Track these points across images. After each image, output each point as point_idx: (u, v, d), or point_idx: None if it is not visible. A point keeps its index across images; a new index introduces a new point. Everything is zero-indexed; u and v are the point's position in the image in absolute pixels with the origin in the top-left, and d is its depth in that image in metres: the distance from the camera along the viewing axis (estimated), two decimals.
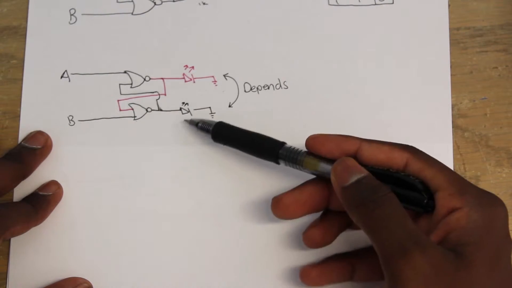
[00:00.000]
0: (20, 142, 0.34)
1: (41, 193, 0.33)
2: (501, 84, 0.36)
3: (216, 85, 0.35)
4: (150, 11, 0.36)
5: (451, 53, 0.36)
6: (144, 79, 0.35)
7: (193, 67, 0.35)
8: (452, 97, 0.35)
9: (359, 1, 0.36)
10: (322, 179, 0.29)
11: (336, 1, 0.36)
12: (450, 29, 0.36)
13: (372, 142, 0.28)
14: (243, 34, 0.36)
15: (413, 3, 0.36)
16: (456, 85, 0.36)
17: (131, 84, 0.35)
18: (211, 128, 0.33)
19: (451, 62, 0.36)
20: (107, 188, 0.34)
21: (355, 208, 0.26)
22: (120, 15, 0.36)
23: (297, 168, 0.30)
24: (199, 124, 0.33)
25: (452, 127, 0.35)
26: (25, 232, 0.31)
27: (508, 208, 0.33)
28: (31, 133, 0.34)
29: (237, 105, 0.35)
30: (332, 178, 0.27)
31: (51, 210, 0.33)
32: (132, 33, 0.36)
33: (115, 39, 0.36)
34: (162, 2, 0.36)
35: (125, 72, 0.35)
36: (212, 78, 0.35)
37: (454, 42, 0.36)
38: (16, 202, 0.33)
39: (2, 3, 0.37)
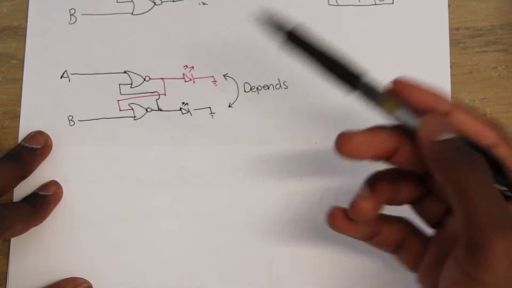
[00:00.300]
0: (20, 142, 0.34)
1: (41, 193, 0.33)
2: (501, 84, 0.36)
3: (216, 85, 0.35)
4: (150, 11, 0.36)
5: (451, 53, 0.36)
6: (144, 79, 0.35)
7: (193, 67, 0.35)
8: (452, 97, 0.35)
9: (359, 1, 0.36)
10: (393, 128, 0.26)
11: (336, 1, 0.36)
12: (450, 29, 0.36)
13: (465, 112, 0.25)
14: (243, 34, 0.36)
15: (413, 3, 0.36)
16: (456, 85, 0.36)
17: (131, 84, 0.35)
18: (287, 29, 0.27)
19: (451, 62, 0.36)
20: (107, 188, 0.34)
21: (445, 166, 0.23)
22: (120, 15, 0.36)
23: (371, 104, 0.26)
24: (274, 18, 0.27)
25: None
26: (25, 232, 0.31)
27: None
28: (31, 133, 0.34)
29: (237, 105, 0.35)
30: (422, 128, 0.24)
31: (51, 210, 0.33)
32: (132, 33, 0.36)
33: (115, 39, 0.36)
34: (162, 2, 0.36)
35: (125, 72, 0.35)
36: (212, 78, 0.35)
37: (454, 42, 0.36)
38: (16, 202, 0.33)
39: (2, 3, 0.37)
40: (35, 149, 0.33)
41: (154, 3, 0.36)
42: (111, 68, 0.35)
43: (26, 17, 0.36)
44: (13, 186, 0.33)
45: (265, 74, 0.35)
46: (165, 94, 0.35)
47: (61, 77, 0.35)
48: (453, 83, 0.36)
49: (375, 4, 0.36)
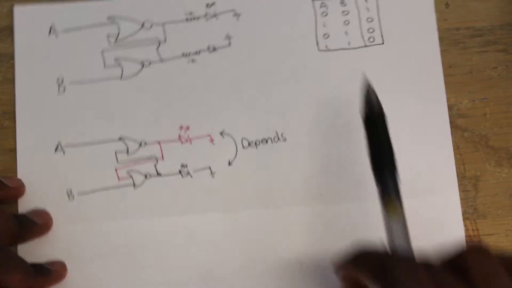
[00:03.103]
0: (24, 213, 0.33)
1: (46, 265, 0.33)
2: (501, 84, 0.36)
3: (213, 144, 0.35)
4: (138, 74, 0.35)
5: (451, 53, 0.36)
6: (140, 145, 0.35)
7: (188, 127, 0.35)
8: (451, 97, 0.35)
9: (349, 44, 0.36)
10: None
11: (326, 46, 0.36)
12: (450, 29, 0.36)
13: None
14: (235, 89, 0.35)
15: (404, 42, 0.36)
16: (455, 85, 0.36)
17: (127, 151, 0.35)
18: (370, 107, 0.29)
19: (451, 62, 0.36)
20: (111, 263, 0.33)
21: None
22: (108, 81, 0.35)
23: (379, 197, 0.28)
24: (369, 95, 0.29)
25: (452, 127, 0.35)
26: None
27: (508, 208, 0.34)
28: (35, 209, 0.34)
29: (237, 162, 0.34)
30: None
31: (51, 284, 0.32)
32: (123, 98, 0.35)
33: (106, 105, 0.35)
34: (150, 63, 0.35)
35: (120, 139, 0.35)
36: (209, 137, 0.35)
37: (454, 42, 0.36)
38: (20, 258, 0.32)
39: (2, 3, 0.36)
40: (35, 223, 0.33)
41: (143, 65, 0.35)
42: (105, 136, 0.35)
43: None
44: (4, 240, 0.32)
45: (261, 127, 0.35)
46: (162, 158, 0.35)
47: (55, 150, 0.35)
48: (453, 83, 0.36)
49: (365, 46, 0.36)
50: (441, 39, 0.36)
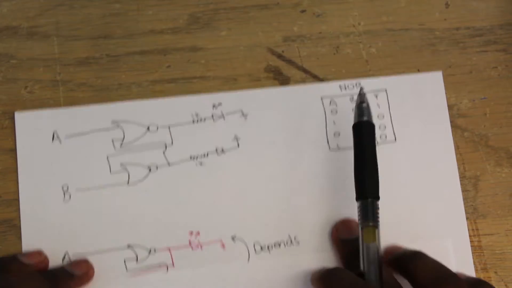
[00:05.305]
0: (62, 264, 0.33)
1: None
2: (501, 84, 0.36)
3: (224, 249, 0.34)
4: (146, 178, 0.34)
5: (451, 53, 0.36)
6: (149, 252, 0.34)
7: (198, 232, 0.34)
8: (451, 97, 0.36)
9: None
10: None
11: (337, 145, 0.35)
12: (450, 29, 0.36)
13: None
14: (245, 191, 0.34)
15: (416, 139, 0.35)
16: (456, 85, 0.36)
17: (137, 259, 0.34)
18: (360, 119, 0.31)
19: (451, 62, 0.36)
20: None
21: None
22: (115, 187, 0.34)
23: (359, 222, 0.30)
24: (362, 104, 0.31)
25: (452, 127, 0.35)
26: None
27: (508, 208, 0.35)
28: (76, 258, 0.33)
29: (251, 267, 0.34)
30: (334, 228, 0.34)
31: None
32: (130, 204, 0.34)
33: (113, 212, 0.34)
34: (157, 167, 0.35)
35: (128, 246, 0.34)
36: (220, 242, 0.34)
37: (454, 42, 0.36)
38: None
39: (2, 3, 0.36)
40: (73, 275, 0.32)
41: (149, 170, 0.35)
42: (113, 243, 0.34)
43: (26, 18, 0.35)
44: None
45: (274, 231, 0.34)
46: (173, 266, 0.34)
47: (63, 259, 0.34)
48: (453, 83, 0.36)
49: (378, 143, 0.35)
50: (441, 39, 0.36)
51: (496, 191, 0.34)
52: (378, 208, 0.30)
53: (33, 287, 0.30)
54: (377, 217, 0.30)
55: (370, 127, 0.30)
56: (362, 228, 0.30)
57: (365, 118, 0.30)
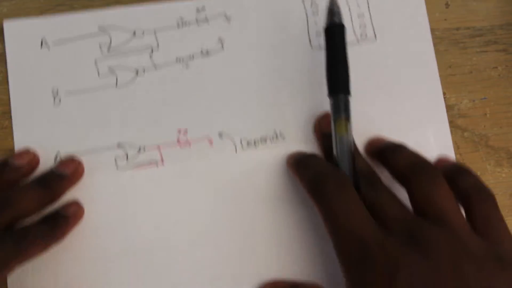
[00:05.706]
0: (51, 167, 0.33)
1: (62, 213, 0.33)
2: (501, 84, 0.36)
3: (212, 146, 0.35)
4: (134, 81, 0.35)
5: (451, 53, 0.36)
6: (139, 150, 0.35)
7: (186, 130, 0.35)
8: (452, 97, 0.36)
9: None
10: None
11: (319, 45, 0.36)
12: (450, 29, 0.36)
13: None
14: (230, 90, 0.35)
15: (396, 37, 0.36)
16: (456, 85, 0.36)
17: (127, 157, 0.34)
18: (331, 22, 0.32)
19: (451, 62, 0.36)
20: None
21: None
22: (104, 90, 0.35)
23: (332, 118, 0.31)
24: (333, 8, 0.32)
25: (452, 127, 0.35)
26: (45, 252, 0.31)
27: (508, 208, 0.35)
28: (63, 158, 0.34)
29: (238, 160, 0.35)
30: (317, 123, 0.35)
31: (71, 229, 0.33)
32: (119, 105, 0.35)
33: (103, 114, 0.35)
34: (144, 70, 0.35)
35: (118, 145, 0.35)
36: (207, 138, 0.35)
37: (454, 42, 0.36)
38: (34, 225, 0.32)
39: (2, 3, 0.36)
40: (63, 175, 0.33)
41: (137, 73, 0.35)
42: (103, 143, 0.35)
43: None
44: (39, 210, 0.32)
45: (260, 126, 0.35)
46: (163, 163, 0.34)
47: (55, 159, 0.34)
48: (453, 83, 0.36)
49: (358, 42, 0.36)
50: (441, 39, 0.36)
51: (496, 191, 0.34)
52: (349, 103, 0.31)
53: (31, 199, 0.31)
54: (349, 111, 0.31)
55: (340, 28, 0.31)
56: (334, 121, 0.31)
57: (335, 20, 0.31)
